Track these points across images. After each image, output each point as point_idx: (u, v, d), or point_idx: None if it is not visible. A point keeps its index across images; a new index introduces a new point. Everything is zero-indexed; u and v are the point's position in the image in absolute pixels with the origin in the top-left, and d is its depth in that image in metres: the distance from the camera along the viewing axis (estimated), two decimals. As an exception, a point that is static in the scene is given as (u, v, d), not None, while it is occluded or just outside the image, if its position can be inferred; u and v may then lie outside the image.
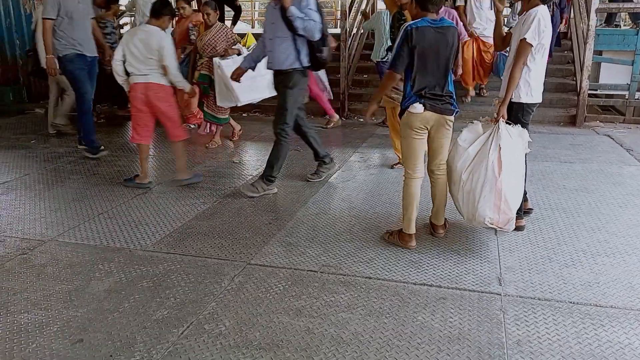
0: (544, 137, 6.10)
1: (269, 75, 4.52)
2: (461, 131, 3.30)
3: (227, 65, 5.28)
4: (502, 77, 3.61)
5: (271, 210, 3.94)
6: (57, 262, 3.12)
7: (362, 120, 7.31)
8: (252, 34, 6.88)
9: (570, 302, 2.65)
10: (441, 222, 3.40)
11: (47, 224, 3.71)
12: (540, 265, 3.04)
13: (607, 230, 3.52)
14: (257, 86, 5.38)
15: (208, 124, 5.87)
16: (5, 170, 5.07)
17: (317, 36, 3.98)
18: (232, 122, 6.02)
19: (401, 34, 3.00)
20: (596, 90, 7.78)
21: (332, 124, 6.89)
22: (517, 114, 3.30)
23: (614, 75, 8.05)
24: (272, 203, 4.11)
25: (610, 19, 8.70)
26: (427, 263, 3.07)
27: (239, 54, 5.52)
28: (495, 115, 3.24)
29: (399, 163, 4.72)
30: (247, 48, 5.84)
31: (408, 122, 3.11)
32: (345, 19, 7.43)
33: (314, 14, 3.93)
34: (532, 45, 3.17)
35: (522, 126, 3.26)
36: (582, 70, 6.77)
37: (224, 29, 5.56)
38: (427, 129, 3.14)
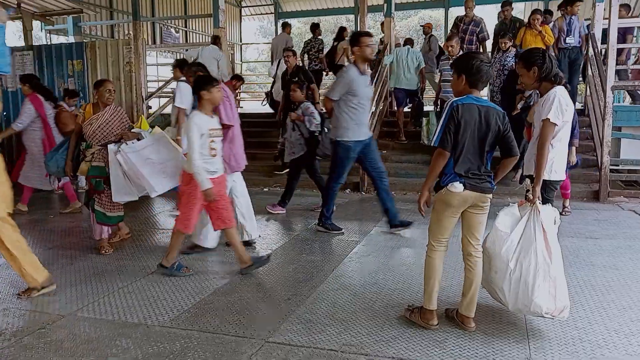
0: (570, 214, 6.01)
1: (177, 161, 4.53)
2: (497, 215, 3.19)
3: (133, 151, 4.55)
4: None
5: (290, 286, 3.89)
6: (75, 338, 3.09)
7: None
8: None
9: (607, 387, 2.50)
10: (473, 314, 3.14)
11: (67, 298, 3.71)
12: (572, 346, 2.90)
13: (640, 309, 3.38)
14: (168, 172, 4.67)
15: (103, 227, 4.78)
16: (30, 244, 5.13)
17: None
18: (121, 223, 5.07)
19: (446, 110, 2.93)
20: (618, 165, 7.74)
21: (70, 209, 6.51)
22: (541, 191, 3.28)
23: (636, 150, 8.04)
24: (291, 278, 4.06)
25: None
26: (453, 343, 2.95)
27: (139, 139, 4.68)
28: (530, 197, 3.16)
29: None
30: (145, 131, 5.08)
31: (446, 200, 2.97)
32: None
33: None
34: (556, 125, 3.20)
35: (546, 202, 3.23)
36: (602, 146, 6.78)
37: (119, 111, 4.72)
38: (464, 208, 3.02)
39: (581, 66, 8.43)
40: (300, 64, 8.80)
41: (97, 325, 3.26)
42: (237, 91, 8.19)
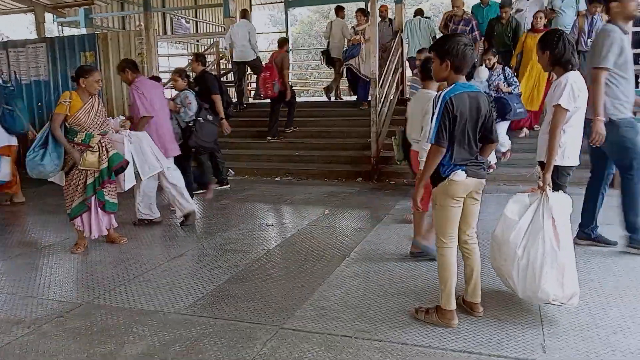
0: (582, 199, 5.94)
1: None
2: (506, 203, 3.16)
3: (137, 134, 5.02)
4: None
5: (303, 273, 3.91)
6: (92, 325, 3.14)
7: (392, 182, 7.34)
8: None
9: (622, 372, 2.49)
10: (479, 299, 3.13)
11: (84, 286, 3.77)
12: (586, 332, 2.89)
13: (656, 295, 3.35)
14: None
15: (112, 215, 4.73)
16: (48, 234, 5.22)
17: None
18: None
19: (439, 104, 2.78)
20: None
21: None
22: (553, 176, 3.25)
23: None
24: (304, 265, 4.08)
25: None
26: (466, 329, 2.95)
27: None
28: (541, 184, 3.13)
29: None
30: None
31: (449, 191, 2.86)
32: (376, 86, 7.63)
33: None
34: (568, 110, 3.17)
35: (559, 188, 3.21)
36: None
37: (99, 100, 4.60)
38: (465, 197, 2.95)
39: None
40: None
41: (113, 313, 3.31)
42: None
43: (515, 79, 7.03)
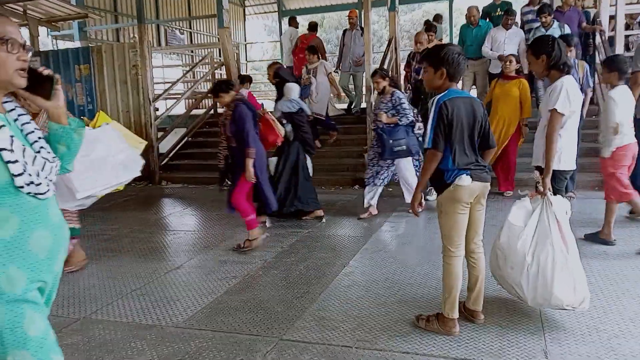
0: (579, 203, 5.96)
1: (123, 154, 4.16)
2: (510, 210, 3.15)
3: None
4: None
5: (302, 283, 3.89)
6: (90, 340, 3.11)
7: (390, 189, 7.32)
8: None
9: (625, 377, 2.48)
10: (481, 307, 3.11)
11: (81, 301, 3.74)
12: (587, 336, 2.88)
13: (656, 298, 3.34)
14: (103, 169, 4.09)
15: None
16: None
17: None
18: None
19: (434, 109, 2.80)
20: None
21: None
22: (551, 181, 3.25)
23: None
24: (303, 275, 4.06)
25: None
26: (467, 336, 2.94)
27: None
28: (541, 188, 3.13)
29: None
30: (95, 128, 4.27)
31: (455, 196, 2.83)
32: (371, 94, 7.64)
33: None
34: (563, 115, 3.18)
35: (556, 193, 3.21)
36: (612, 134, 6.70)
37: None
38: (471, 202, 2.91)
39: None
40: None
41: (111, 327, 3.29)
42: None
43: (406, 105, 5.45)
